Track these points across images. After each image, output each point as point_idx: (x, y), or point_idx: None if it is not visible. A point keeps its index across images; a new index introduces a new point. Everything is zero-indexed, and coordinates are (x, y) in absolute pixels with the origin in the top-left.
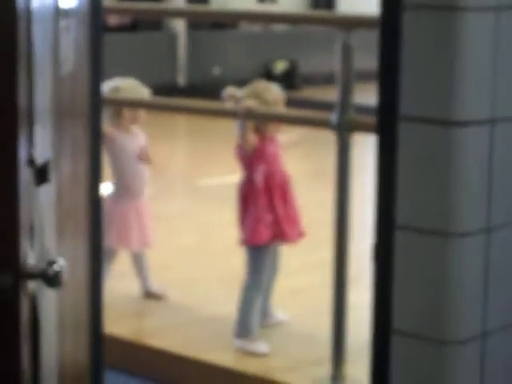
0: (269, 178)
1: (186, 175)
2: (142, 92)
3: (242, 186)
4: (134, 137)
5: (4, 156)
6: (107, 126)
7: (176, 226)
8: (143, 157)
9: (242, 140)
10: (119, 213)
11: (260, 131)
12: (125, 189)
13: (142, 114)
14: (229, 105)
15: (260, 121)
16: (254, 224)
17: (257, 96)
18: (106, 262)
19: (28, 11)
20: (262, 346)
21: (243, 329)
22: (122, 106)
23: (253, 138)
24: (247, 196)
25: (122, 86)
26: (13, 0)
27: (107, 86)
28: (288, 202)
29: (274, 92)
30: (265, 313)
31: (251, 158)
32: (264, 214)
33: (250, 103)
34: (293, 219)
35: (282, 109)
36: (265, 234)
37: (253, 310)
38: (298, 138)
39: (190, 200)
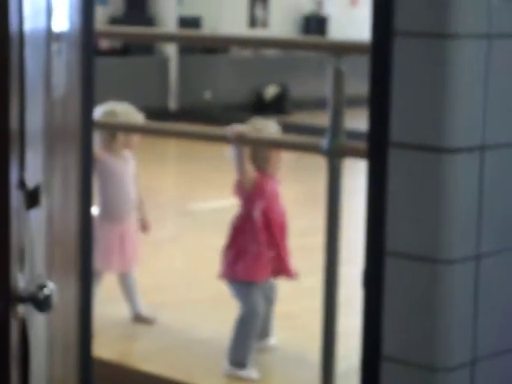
0: (268, 214)
1: (176, 199)
2: (136, 117)
3: (238, 220)
4: (125, 161)
5: None
6: (98, 149)
7: (166, 249)
8: (143, 227)
9: (241, 173)
10: (102, 235)
11: (260, 169)
12: (110, 212)
13: (135, 138)
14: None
15: (260, 160)
16: (255, 261)
17: (257, 132)
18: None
19: (20, 34)
20: (252, 372)
21: (237, 358)
22: (115, 130)
23: (251, 171)
24: (242, 231)
25: (117, 110)
26: (5, 23)
27: (102, 110)
28: (285, 238)
29: (272, 129)
30: (262, 337)
31: (251, 194)
32: (265, 251)
33: (241, 128)
34: (288, 256)
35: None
36: (265, 270)
37: (247, 340)
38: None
39: (180, 224)
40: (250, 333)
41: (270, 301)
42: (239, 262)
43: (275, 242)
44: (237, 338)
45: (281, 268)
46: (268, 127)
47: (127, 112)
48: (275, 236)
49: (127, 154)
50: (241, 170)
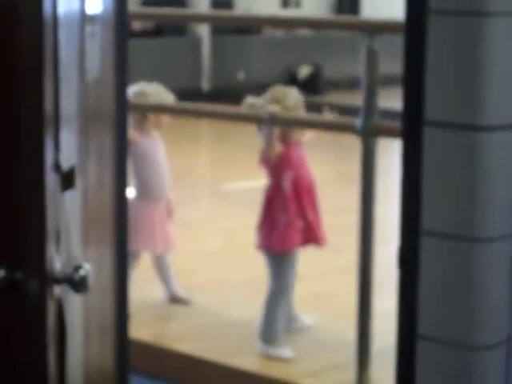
0: (297, 183)
1: (209, 180)
2: (167, 97)
3: (268, 192)
4: (155, 141)
5: (30, 161)
6: (130, 130)
7: (200, 230)
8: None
9: (268, 148)
10: (142, 216)
11: (285, 138)
12: (146, 193)
13: (165, 118)
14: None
15: (284, 127)
16: (285, 230)
17: (277, 102)
18: (129, 266)
19: (54, 17)
20: (286, 351)
21: (268, 335)
22: (147, 111)
23: (278, 146)
24: (273, 202)
25: (147, 90)
26: (39, 6)
27: (132, 91)
28: (315, 205)
29: (294, 97)
30: (289, 318)
31: (278, 165)
32: (296, 220)
33: (274, 109)
34: (319, 223)
35: (302, 113)
36: (296, 239)
37: (278, 316)
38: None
39: (213, 205)
40: (279, 308)
41: (295, 273)
42: (273, 233)
43: (305, 211)
44: (267, 314)
45: (310, 236)
46: (290, 95)
47: (157, 92)
48: (304, 204)
49: (156, 134)
50: (268, 143)
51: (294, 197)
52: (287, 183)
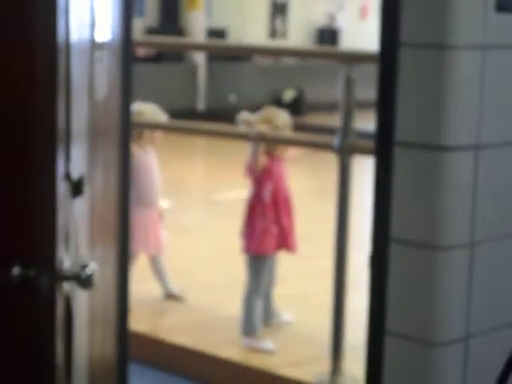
0: (275, 194)
1: (201, 190)
2: (160, 116)
3: (250, 200)
4: (149, 155)
5: (44, 171)
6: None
7: (192, 236)
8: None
9: (254, 161)
10: (136, 221)
11: (269, 153)
12: (140, 199)
13: (158, 135)
14: (242, 128)
15: (270, 144)
16: (262, 235)
17: (268, 121)
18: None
19: (67, 44)
20: (268, 344)
21: (248, 328)
22: (144, 128)
23: (263, 160)
24: (254, 209)
25: (143, 109)
26: (54, 34)
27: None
28: (290, 215)
29: (283, 117)
30: (268, 314)
31: (261, 177)
32: (271, 226)
33: (262, 128)
34: (292, 231)
35: (289, 132)
36: (271, 244)
37: (254, 312)
38: (302, 153)
39: (205, 213)
40: (256, 305)
41: (273, 274)
42: (252, 237)
43: (280, 219)
44: (246, 310)
45: (284, 242)
46: (280, 116)
47: (152, 112)
48: (280, 213)
49: (150, 149)
50: (254, 157)
51: (272, 206)
52: (267, 193)
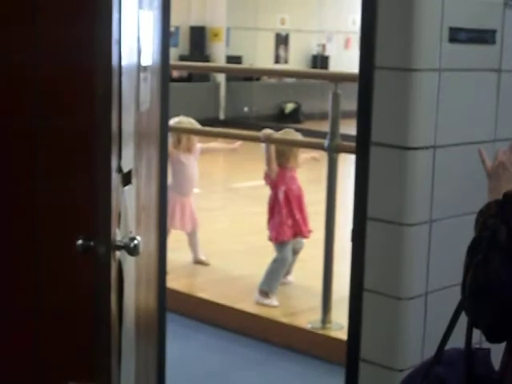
0: (288, 194)
1: (223, 180)
2: (195, 125)
3: (269, 200)
4: (190, 156)
5: (102, 166)
6: (171, 148)
7: (214, 215)
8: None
9: (268, 168)
10: (174, 205)
11: (281, 165)
12: (178, 189)
13: (196, 145)
14: (261, 136)
15: (281, 159)
16: (279, 226)
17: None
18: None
19: (120, 67)
20: (274, 301)
21: (266, 287)
22: (180, 132)
23: (275, 168)
24: (273, 207)
25: (182, 120)
26: (109, 59)
27: (174, 120)
28: (302, 208)
29: (298, 137)
30: (285, 273)
31: (275, 181)
32: (286, 220)
33: (269, 131)
34: (305, 220)
35: (299, 151)
36: (287, 233)
37: (275, 279)
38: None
39: (226, 197)
40: (278, 272)
41: (296, 252)
42: (273, 229)
43: (293, 213)
44: (267, 275)
45: (299, 231)
46: (295, 136)
47: (189, 122)
48: (293, 209)
49: (194, 149)
50: (269, 164)
51: (286, 203)
52: (281, 194)
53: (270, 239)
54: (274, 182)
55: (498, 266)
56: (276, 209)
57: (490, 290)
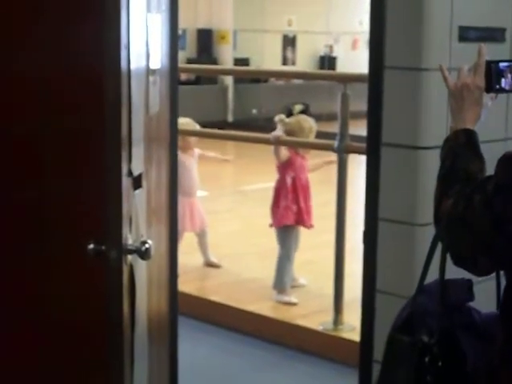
0: (295, 181)
1: (232, 183)
2: (194, 127)
3: (276, 184)
4: (191, 156)
5: (113, 169)
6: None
7: (224, 217)
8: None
9: (275, 155)
10: (182, 207)
11: (294, 149)
12: (181, 190)
13: (192, 140)
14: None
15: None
16: (284, 210)
17: (297, 122)
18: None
19: (128, 71)
20: (293, 298)
21: (279, 285)
22: (186, 135)
23: (284, 153)
24: (279, 192)
25: (180, 121)
26: (118, 63)
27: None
28: (307, 199)
29: (310, 122)
30: (291, 278)
31: (284, 166)
32: (291, 205)
33: (279, 133)
34: (309, 212)
35: (312, 136)
36: (290, 218)
37: (285, 272)
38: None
39: (235, 200)
40: (286, 268)
41: (297, 243)
42: (277, 213)
43: (298, 200)
44: (278, 271)
45: (300, 219)
46: (308, 120)
47: (187, 123)
48: (299, 196)
49: (193, 152)
50: (275, 152)
51: (292, 189)
52: (289, 179)
53: (274, 224)
54: (283, 165)
55: (477, 205)
56: (283, 193)
57: (464, 220)
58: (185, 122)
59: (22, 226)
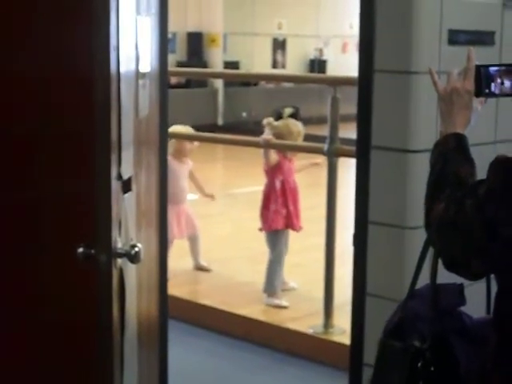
0: (284, 184)
1: (222, 186)
2: (190, 131)
3: (265, 188)
4: (183, 164)
5: (102, 173)
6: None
7: (214, 220)
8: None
9: (265, 158)
10: (171, 214)
11: (282, 153)
12: (170, 197)
13: (188, 146)
14: (265, 130)
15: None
16: (274, 214)
17: (286, 125)
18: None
19: (118, 74)
20: (283, 302)
21: (270, 288)
22: (179, 138)
23: (273, 157)
24: (269, 196)
25: (179, 128)
26: (108, 67)
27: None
28: (296, 202)
29: (298, 126)
30: (281, 281)
31: (273, 171)
32: (280, 209)
33: (269, 137)
34: (298, 215)
35: (300, 139)
36: (280, 222)
37: (275, 276)
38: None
39: (224, 203)
40: (276, 271)
41: (286, 247)
42: (267, 217)
43: (287, 204)
44: (269, 275)
45: (290, 223)
46: (296, 124)
47: (187, 131)
48: (288, 199)
49: (187, 160)
50: (266, 157)
51: (281, 193)
52: (278, 183)
53: (264, 228)
54: (271, 169)
55: (468, 209)
56: (272, 197)
57: (456, 224)
58: (184, 130)
59: (11, 229)
